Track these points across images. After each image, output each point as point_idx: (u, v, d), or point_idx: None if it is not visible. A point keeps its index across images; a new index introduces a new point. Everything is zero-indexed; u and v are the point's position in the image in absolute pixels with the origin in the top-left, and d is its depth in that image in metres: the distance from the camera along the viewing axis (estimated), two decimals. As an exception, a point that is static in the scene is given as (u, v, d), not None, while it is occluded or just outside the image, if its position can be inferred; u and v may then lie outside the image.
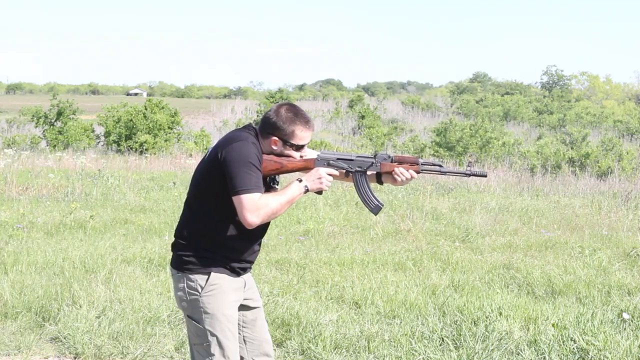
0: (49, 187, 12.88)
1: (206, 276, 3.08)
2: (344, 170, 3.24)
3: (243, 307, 3.28)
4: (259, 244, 3.28)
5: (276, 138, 3.09)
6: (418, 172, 3.23)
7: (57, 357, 4.81)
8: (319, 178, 3.11)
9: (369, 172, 3.28)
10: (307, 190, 3.08)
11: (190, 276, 3.10)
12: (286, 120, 3.08)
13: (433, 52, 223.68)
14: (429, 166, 3.24)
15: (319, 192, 3.15)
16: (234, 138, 3.04)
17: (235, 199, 2.94)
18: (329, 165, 3.20)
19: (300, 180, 3.09)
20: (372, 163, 3.23)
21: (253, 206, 2.91)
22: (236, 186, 2.93)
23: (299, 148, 3.14)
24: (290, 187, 3.05)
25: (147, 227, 9.19)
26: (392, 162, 3.25)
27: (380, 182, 3.31)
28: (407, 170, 3.23)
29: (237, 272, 3.18)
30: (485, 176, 3.42)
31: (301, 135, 3.10)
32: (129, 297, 5.74)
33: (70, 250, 7.54)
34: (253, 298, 3.32)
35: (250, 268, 3.31)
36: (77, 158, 18.51)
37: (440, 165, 3.26)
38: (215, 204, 3.06)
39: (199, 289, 3.08)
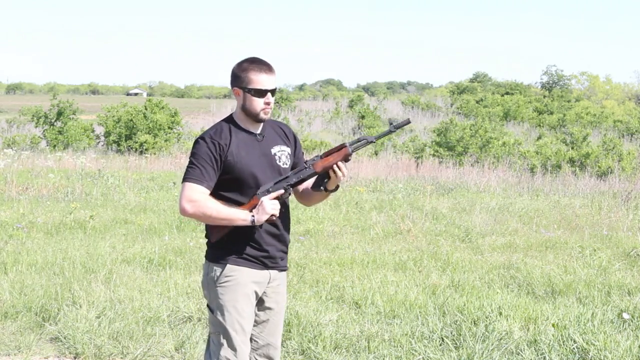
0: (49, 187, 12.88)
1: (222, 267, 3.14)
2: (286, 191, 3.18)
3: (259, 304, 3.25)
4: (282, 232, 3.23)
5: (237, 88, 3.16)
6: (349, 155, 3.17)
7: (57, 357, 4.81)
8: (263, 209, 3.08)
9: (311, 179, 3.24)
10: (253, 222, 3.08)
11: (211, 266, 3.19)
12: (242, 69, 3.15)
13: (433, 52, 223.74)
14: (357, 144, 3.20)
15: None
16: (198, 137, 3.19)
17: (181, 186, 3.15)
18: (267, 191, 3.14)
19: (251, 211, 3.10)
20: (305, 168, 3.19)
21: (189, 195, 3.06)
22: (184, 176, 3.12)
23: (258, 93, 3.13)
24: (239, 211, 3.09)
25: (147, 227, 9.19)
26: (321, 159, 3.21)
27: (325, 188, 3.24)
28: (337, 161, 3.16)
29: (262, 263, 3.18)
30: (409, 122, 3.35)
31: (256, 79, 3.12)
32: (129, 297, 5.74)
33: (70, 250, 7.54)
34: (273, 298, 3.28)
35: (283, 261, 3.28)
36: (77, 158, 18.51)
37: (366, 139, 3.22)
38: (216, 197, 3.12)
39: (215, 279, 3.15)
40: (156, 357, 4.74)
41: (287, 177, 3.18)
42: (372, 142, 3.22)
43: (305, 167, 3.19)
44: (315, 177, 3.24)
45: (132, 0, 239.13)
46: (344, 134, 36.66)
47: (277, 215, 3.12)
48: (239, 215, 3.08)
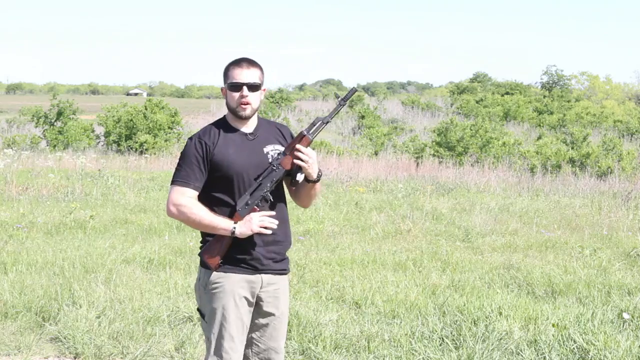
0: (49, 187, 12.87)
1: (210, 273, 3.13)
2: (266, 200, 3.15)
3: (257, 308, 3.20)
4: (275, 234, 3.15)
5: (223, 87, 3.20)
6: (310, 142, 3.15)
7: (57, 357, 4.81)
8: (250, 224, 3.07)
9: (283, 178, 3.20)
10: (233, 233, 3.07)
11: (201, 271, 3.19)
12: (225, 68, 3.19)
13: (433, 52, 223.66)
14: (314, 128, 3.17)
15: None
16: (188, 137, 3.23)
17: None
18: (247, 205, 3.11)
19: (236, 222, 3.08)
20: (274, 170, 3.14)
21: (175, 198, 3.12)
22: (172, 177, 3.19)
23: (233, 87, 3.12)
24: (222, 220, 3.08)
25: (147, 227, 9.19)
26: (285, 155, 3.16)
27: (306, 180, 3.19)
28: (299, 147, 3.11)
29: (251, 266, 3.14)
30: (356, 90, 3.33)
31: (231, 73, 3.14)
32: (129, 297, 5.74)
33: (70, 250, 7.54)
34: (272, 303, 3.21)
35: (278, 264, 3.21)
36: (77, 158, 18.49)
37: (321, 120, 3.21)
38: (202, 200, 3.14)
39: (204, 285, 3.15)
40: (156, 357, 4.74)
41: (260, 185, 3.13)
42: (327, 122, 3.21)
43: (274, 169, 3.14)
44: (297, 173, 3.17)
45: (132, 0, 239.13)
46: (344, 134, 36.65)
47: (266, 232, 3.09)
48: (221, 225, 3.07)
